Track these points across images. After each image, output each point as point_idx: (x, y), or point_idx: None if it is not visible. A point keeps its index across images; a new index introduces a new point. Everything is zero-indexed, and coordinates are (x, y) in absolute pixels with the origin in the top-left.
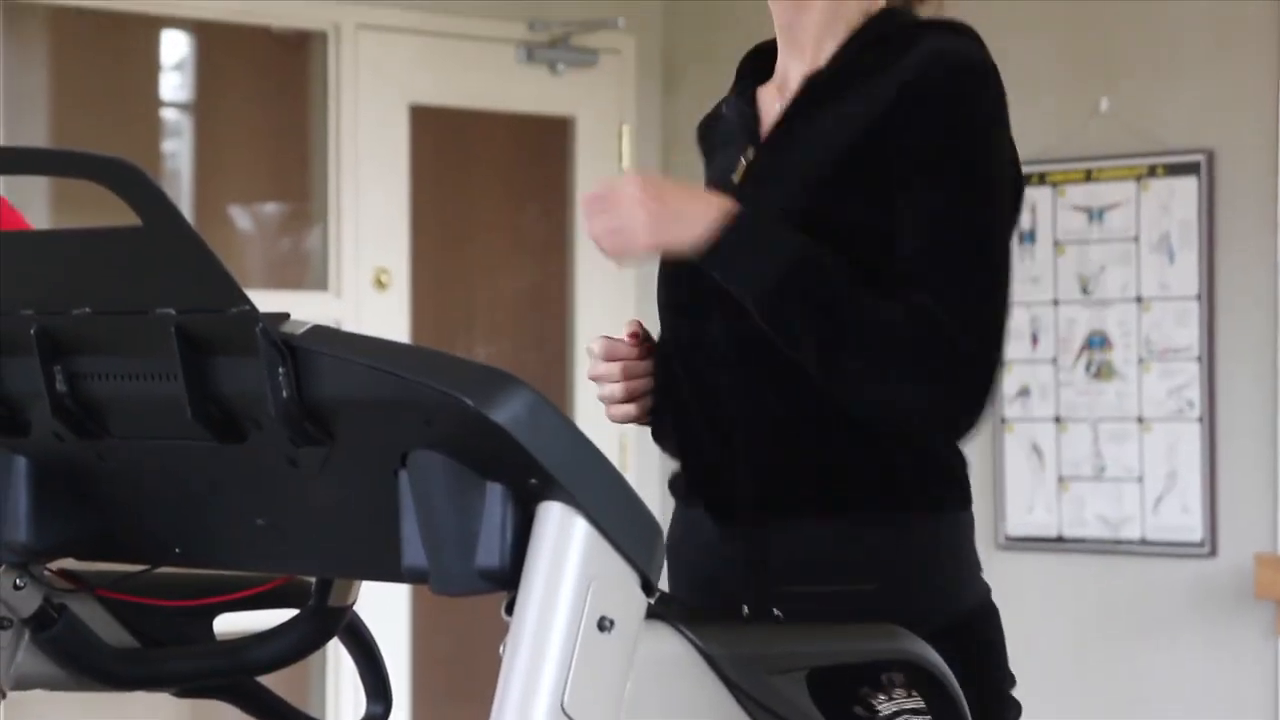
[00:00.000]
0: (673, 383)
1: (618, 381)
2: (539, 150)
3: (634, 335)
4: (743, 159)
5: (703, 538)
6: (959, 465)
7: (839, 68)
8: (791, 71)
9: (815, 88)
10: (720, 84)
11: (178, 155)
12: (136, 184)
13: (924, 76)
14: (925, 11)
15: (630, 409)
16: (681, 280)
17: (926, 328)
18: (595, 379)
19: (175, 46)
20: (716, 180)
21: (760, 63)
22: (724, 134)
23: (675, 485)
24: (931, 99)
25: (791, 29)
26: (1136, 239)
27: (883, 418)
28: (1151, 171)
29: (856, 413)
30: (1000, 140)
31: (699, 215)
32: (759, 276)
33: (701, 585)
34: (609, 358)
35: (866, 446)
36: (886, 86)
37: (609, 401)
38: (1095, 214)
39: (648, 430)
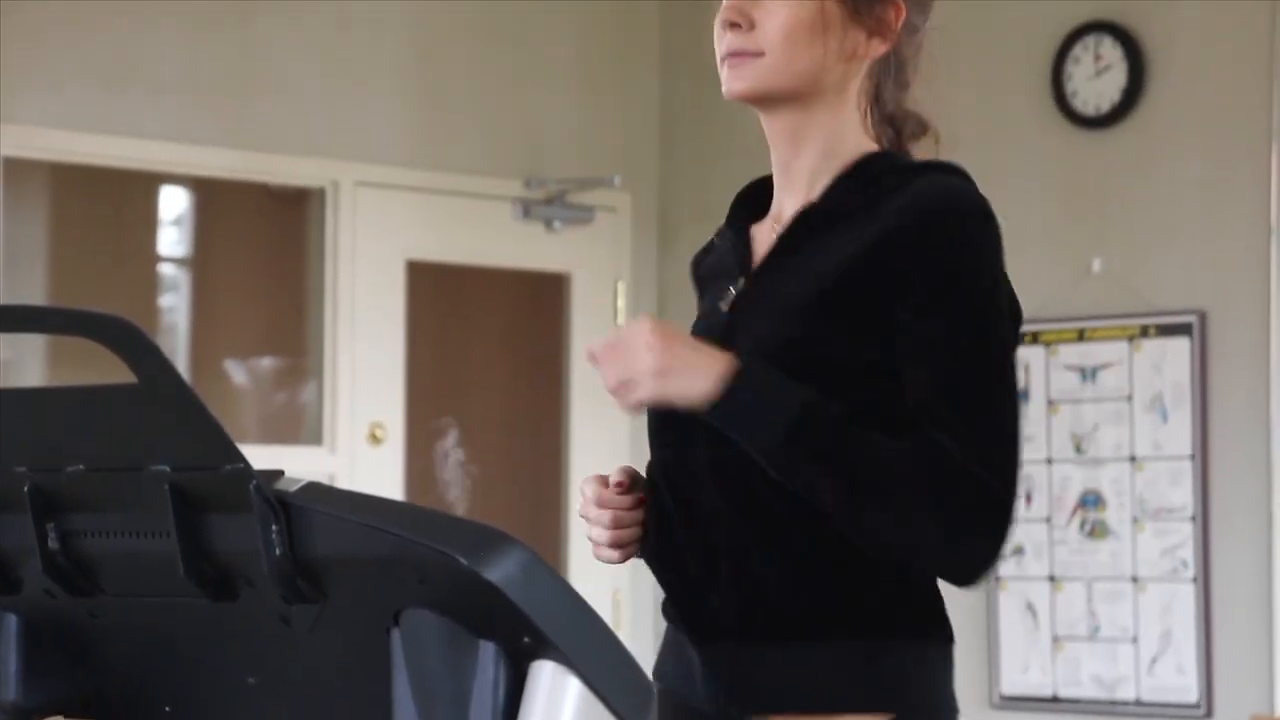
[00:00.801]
0: (659, 505)
1: (606, 529)
2: (535, 306)
3: (620, 484)
4: (732, 289)
5: (685, 660)
6: (938, 596)
7: (831, 202)
8: (787, 207)
9: (806, 221)
10: None
11: (175, 309)
12: (133, 342)
13: (921, 212)
14: (918, 154)
15: (614, 554)
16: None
17: (944, 469)
18: (585, 518)
19: (174, 202)
20: (707, 311)
21: (755, 199)
22: (716, 266)
23: (665, 608)
24: (930, 236)
25: (789, 167)
26: (1130, 398)
27: (904, 560)
28: (1144, 331)
29: (877, 554)
30: (999, 276)
31: (706, 368)
32: (767, 432)
33: (683, 710)
34: (600, 505)
35: (850, 571)
36: (879, 221)
37: (596, 543)
38: (1088, 373)
39: (641, 585)
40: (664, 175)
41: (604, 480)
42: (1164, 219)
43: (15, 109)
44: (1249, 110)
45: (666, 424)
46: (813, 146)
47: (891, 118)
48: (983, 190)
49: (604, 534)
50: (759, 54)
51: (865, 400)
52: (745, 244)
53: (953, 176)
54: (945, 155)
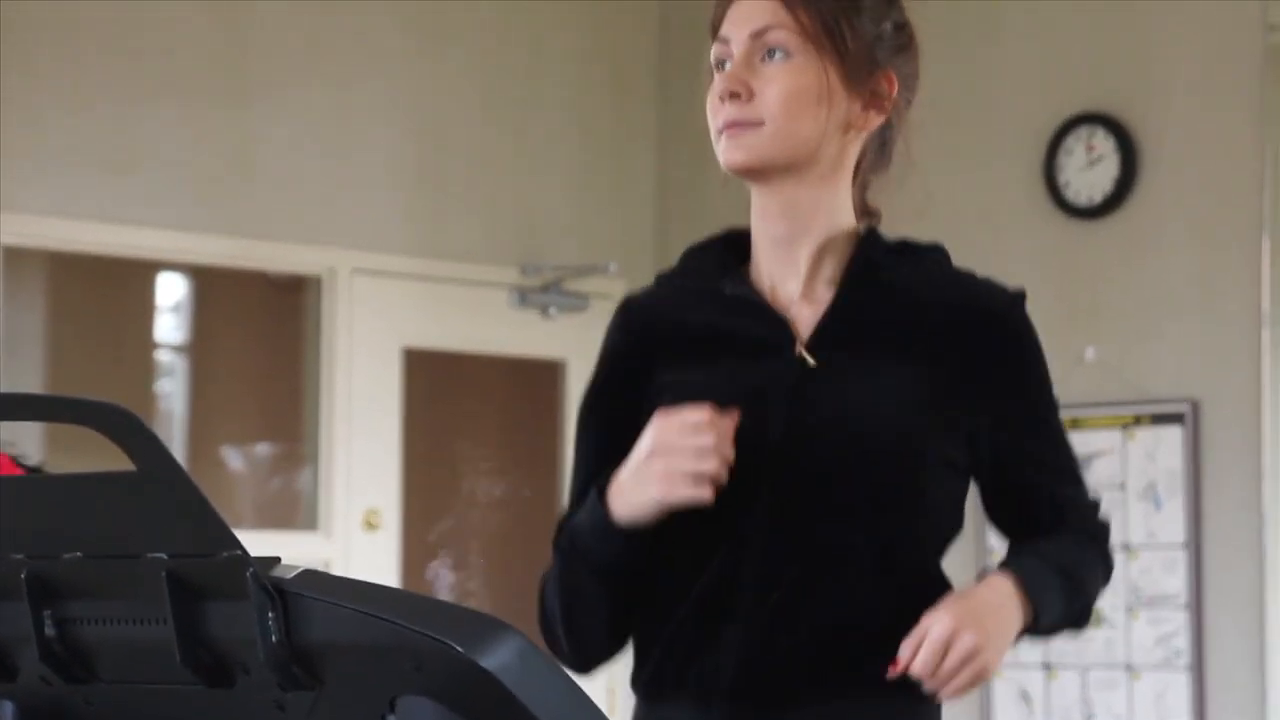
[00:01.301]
0: (739, 577)
1: (712, 453)
2: (531, 393)
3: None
4: (801, 356)
5: None
6: None
7: (872, 277)
8: (786, 285)
9: (855, 291)
10: None
11: (172, 395)
12: (131, 431)
13: (989, 310)
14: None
15: (705, 492)
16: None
17: (1100, 547)
18: (672, 448)
19: (172, 289)
20: (743, 358)
21: (717, 258)
22: (706, 313)
23: (651, 681)
24: (1002, 336)
25: (789, 243)
26: (1123, 487)
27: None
28: (1137, 420)
29: None
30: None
31: (1013, 612)
32: (1060, 609)
33: None
34: (704, 423)
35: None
36: (937, 302)
37: (690, 475)
38: (1082, 461)
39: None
40: (659, 263)
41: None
42: (1157, 308)
43: (15, 197)
44: (1240, 201)
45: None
46: (815, 224)
47: (859, 199)
48: None
49: (709, 462)
50: (759, 123)
51: (945, 495)
52: (758, 304)
53: (971, 273)
54: (939, 242)
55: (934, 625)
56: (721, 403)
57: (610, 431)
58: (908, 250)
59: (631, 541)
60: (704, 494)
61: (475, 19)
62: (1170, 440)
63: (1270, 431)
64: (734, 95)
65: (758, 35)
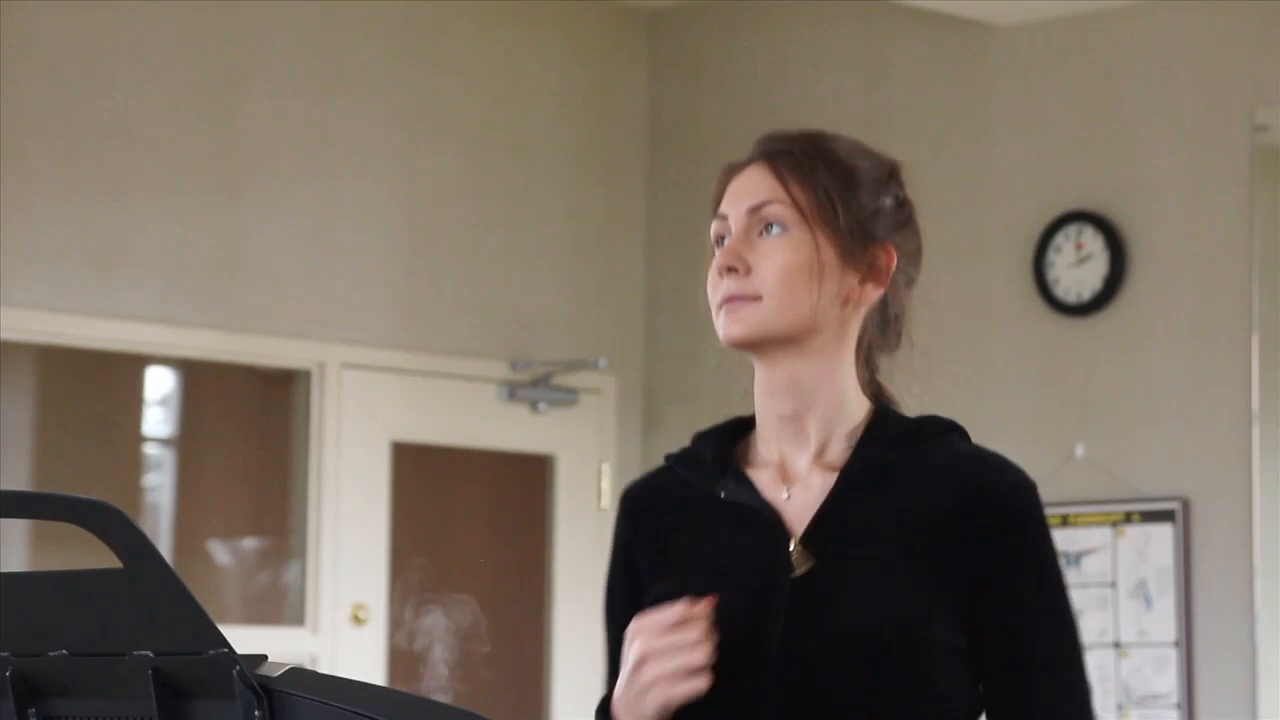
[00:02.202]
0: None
1: (697, 647)
2: (519, 488)
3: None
4: (790, 548)
5: None
6: None
7: (871, 461)
8: (794, 462)
9: (855, 479)
10: (700, 424)
11: (159, 489)
12: (118, 529)
13: (988, 489)
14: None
15: (701, 681)
16: (726, 683)
17: None
18: (649, 657)
19: (160, 382)
20: (737, 568)
21: (719, 447)
22: (705, 514)
23: None
24: (1007, 521)
25: (795, 421)
26: (1114, 584)
27: None
28: (1127, 518)
29: None
30: (1057, 556)
31: None
32: None
33: None
34: (681, 620)
35: None
36: (940, 490)
37: (679, 672)
38: (1072, 559)
39: None
40: (649, 358)
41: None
42: (1146, 406)
43: (4, 291)
44: (1229, 298)
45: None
46: (821, 400)
47: (869, 381)
48: (965, 376)
49: (696, 655)
50: (756, 298)
51: (954, 681)
52: (755, 491)
53: (970, 442)
54: (927, 341)
55: None
56: (717, 621)
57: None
58: (921, 431)
59: None
60: (701, 685)
61: (465, 116)
62: (1161, 538)
63: (1261, 529)
64: (731, 270)
65: (754, 210)
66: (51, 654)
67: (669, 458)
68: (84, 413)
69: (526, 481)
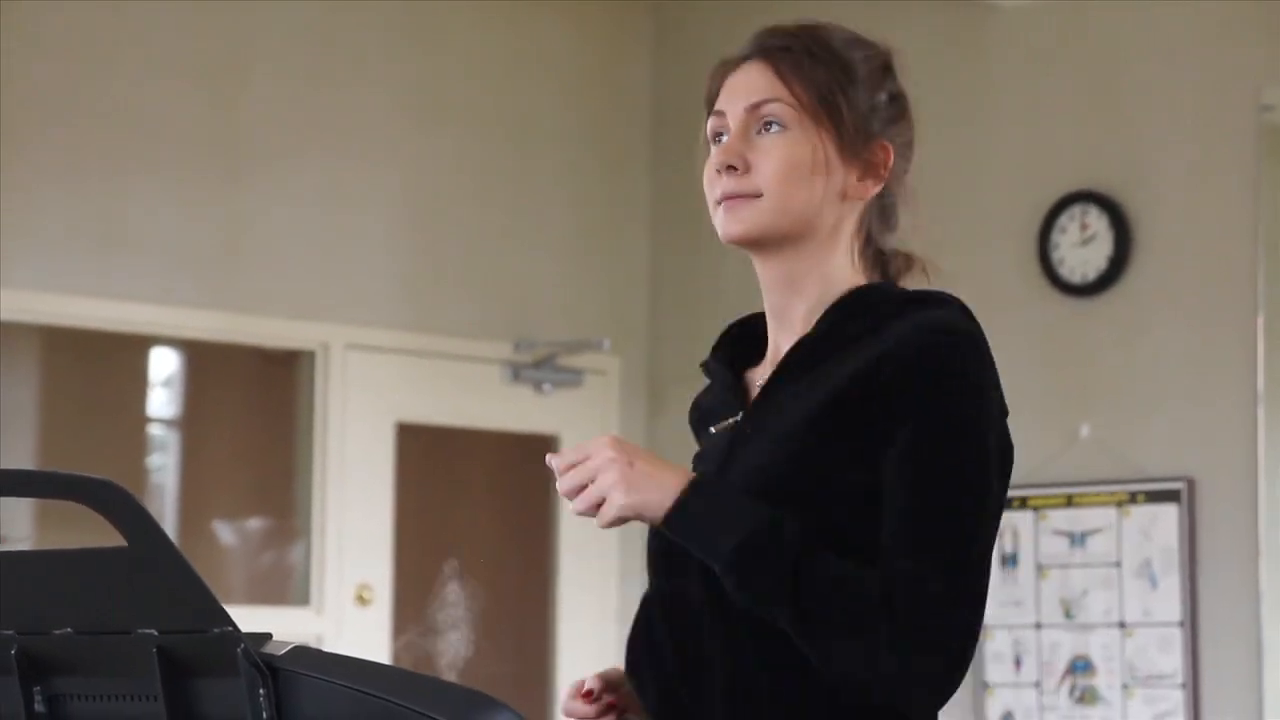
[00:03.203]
0: (651, 635)
1: None
2: (524, 468)
3: (588, 693)
4: (731, 424)
5: None
6: None
7: (821, 335)
8: (782, 348)
9: (798, 354)
10: None
11: (163, 470)
12: (123, 507)
13: (905, 342)
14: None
15: None
16: (661, 535)
17: (902, 593)
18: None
19: (164, 363)
20: (704, 443)
21: (745, 339)
22: (714, 406)
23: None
24: (916, 362)
25: (784, 310)
26: (1118, 564)
27: (860, 686)
28: (1132, 498)
29: (836, 682)
30: (987, 403)
31: (668, 482)
32: (721, 545)
33: None
34: (566, 713)
35: (845, 706)
36: (867, 350)
37: None
38: (1077, 538)
39: None
40: (652, 339)
41: (577, 686)
42: (1151, 386)
43: (8, 273)
44: (1234, 278)
45: (664, 554)
46: (808, 290)
47: (879, 256)
48: None
49: None
50: (756, 195)
51: (856, 525)
52: (740, 384)
53: (946, 308)
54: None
55: (595, 440)
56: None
57: None
58: (905, 301)
59: None
60: None
61: (469, 98)
62: (1166, 518)
63: (1266, 509)
64: (730, 168)
65: (753, 108)
66: (57, 632)
67: (702, 365)
68: (88, 393)
69: (531, 462)
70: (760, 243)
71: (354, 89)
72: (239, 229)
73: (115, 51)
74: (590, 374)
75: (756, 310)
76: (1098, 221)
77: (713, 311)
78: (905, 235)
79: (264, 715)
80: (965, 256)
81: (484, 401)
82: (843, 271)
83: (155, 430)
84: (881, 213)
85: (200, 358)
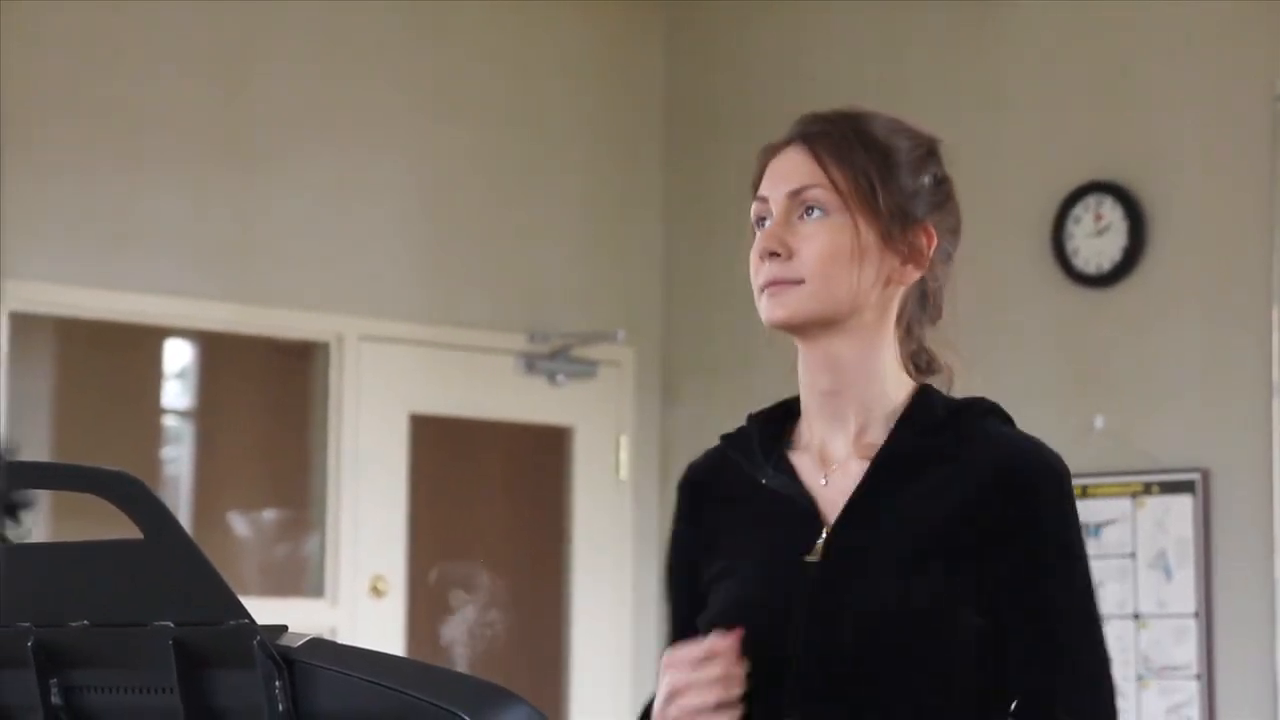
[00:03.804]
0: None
1: (719, 685)
2: (538, 460)
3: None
4: (820, 538)
5: None
6: None
7: (904, 448)
8: (833, 444)
9: (889, 467)
10: (718, 396)
11: (178, 461)
12: (139, 499)
13: (1015, 471)
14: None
15: (729, 715)
16: (756, 667)
17: None
18: (678, 691)
19: (178, 355)
20: (771, 556)
21: (768, 428)
22: (751, 500)
23: None
24: (1033, 497)
25: (833, 399)
26: (1133, 555)
27: None
28: (1147, 489)
29: None
30: (1083, 537)
31: None
32: None
33: None
34: (709, 654)
35: None
36: (967, 475)
37: (706, 708)
38: (1091, 530)
39: None
40: (667, 330)
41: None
42: (1166, 377)
43: (21, 265)
44: (1249, 269)
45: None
46: (855, 378)
47: (915, 352)
48: (984, 348)
49: (717, 692)
50: (799, 281)
51: (965, 671)
52: (795, 480)
53: (1010, 426)
54: (946, 313)
55: None
56: (745, 610)
57: (687, 605)
58: (959, 414)
59: None
60: (729, 718)
61: (482, 90)
62: (1180, 509)
63: None
64: (773, 254)
65: (795, 194)
66: (73, 624)
67: (724, 438)
68: (103, 385)
69: (545, 453)
70: (804, 328)
71: (368, 81)
72: (253, 221)
73: (128, 44)
74: (604, 365)
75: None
76: (1112, 212)
77: (727, 302)
78: (941, 331)
79: (280, 708)
80: (980, 247)
81: (498, 393)
82: (893, 365)
83: (170, 422)
84: (921, 299)
85: (214, 349)
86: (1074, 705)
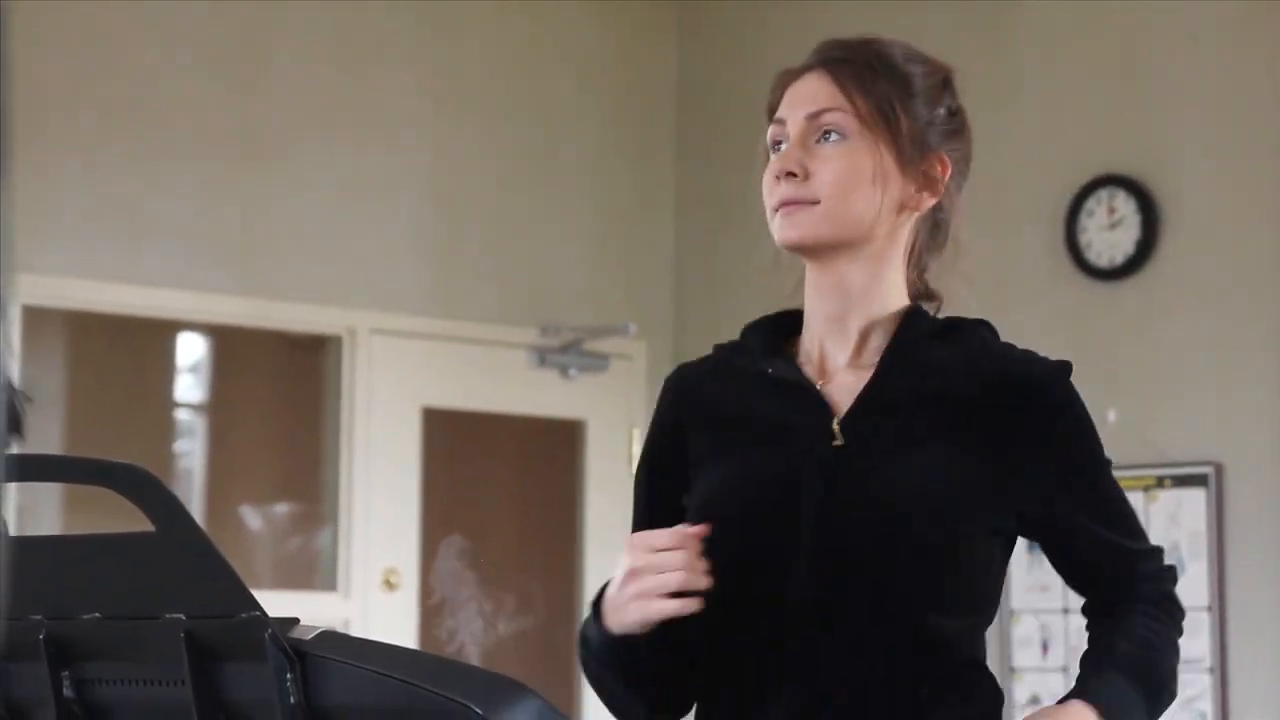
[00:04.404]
0: (747, 644)
1: (680, 569)
2: (550, 453)
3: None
4: (834, 426)
5: None
6: None
7: (907, 350)
8: (833, 356)
9: (896, 365)
10: None
11: (190, 455)
12: (151, 492)
13: (1020, 378)
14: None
15: (678, 605)
16: (760, 541)
17: (1172, 614)
18: (638, 570)
19: (191, 349)
20: (782, 439)
21: (769, 334)
22: (750, 390)
23: None
24: (1043, 402)
25: (839, 320)
26: None
27: None
28: (1160, 483)
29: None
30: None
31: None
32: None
33: None
34: (676, 541)
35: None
36: (974, 376)
37: (659, 592)
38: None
39: None
40: (678, 323)
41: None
42: (1179, 371)
43: (34, 259)
44: (1262, 263)
45: (756, 555)
46: (863, 300)
47: (914, 280)
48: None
49: (676, 577)
50: (814, 202)
51: (981, 563)
52: (800, 373)
53: (998, 338)
54: (958, 304)
55: None
56: (753, 487)
57: (657, 498)
58: (951, 328)
59: (637, 651)
60: (678, 607)
61: (494, 84)
62: (1193, 503)
63: None
64: (790, 175)
65: (814, 117)
66: (85, 617)
67: (718, 346)
68: (115, 379)
69: (557, 447)
70: (816, 249)
71: (380, 77)
72: (265, 215)
73: (140, 40)
74: (616, 359)
75: (779, 304)
76: (1125, 205)
77: (738, 296)
78: (948, 260)
79: (291, 700)
80: (993, 240)
81: (509, 386)
82: (898, 287)
83: (182, 415)
84: (933, 228)
85: (227, 343)
86: (1151, 573)
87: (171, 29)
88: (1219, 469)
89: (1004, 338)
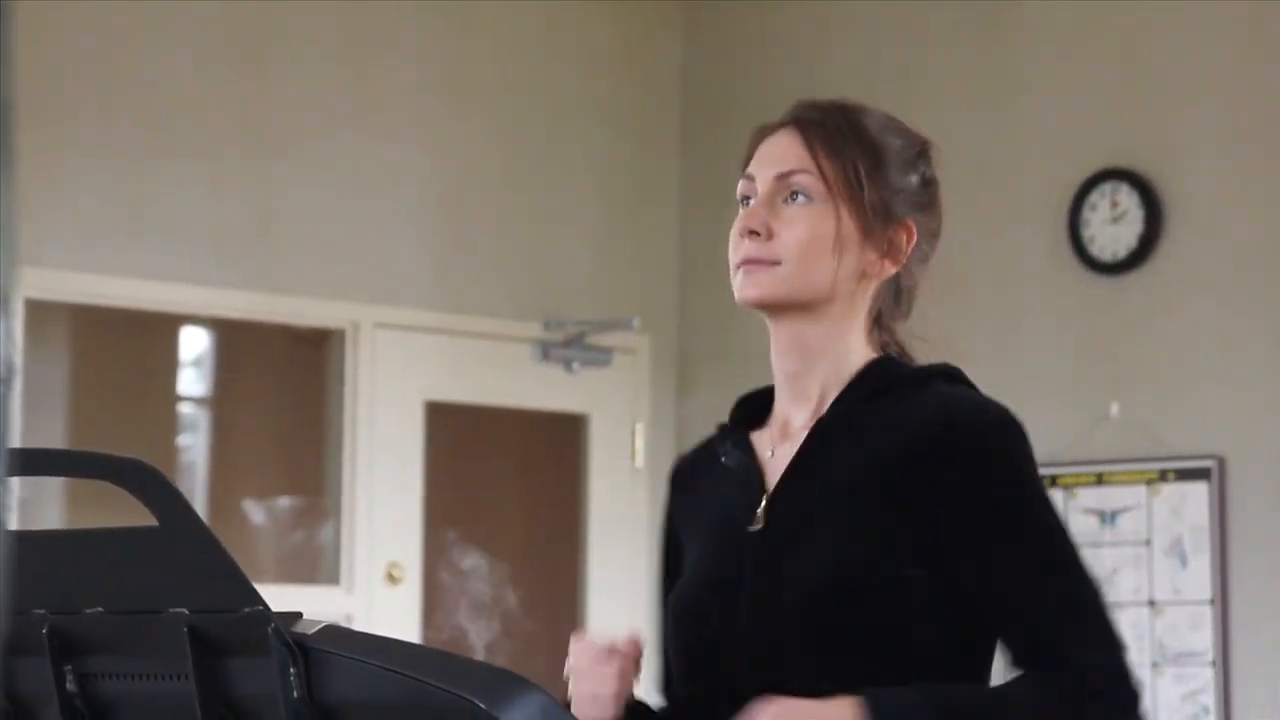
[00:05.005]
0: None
1: (616, 678)
2: (553, 447)
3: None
4: (754, 508)
5: None
6: None
7: (842, 412)
8: (794, 418)
9: (824, 432)
10: (733, 384)
11: (194, 449)
12: (154, 486)
13: (952, 424)
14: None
15: (606, 712)
16: (706, 637)
17: (1076, 695)
18: (579, 672)
19: (194, 342)
20: (721, 529)
21: (750, 411)
22: (716, 479)
23: None
24: (974, 450)
25: (796, 379)
26: (1148, 543)
27: None
28: (1163, 476)
29: None
30: (1039, 479)
31: (840, 714)
32: None
33: None
34: (611, 655)
35: None
36: (902, 431)
37: (591, 696)
38: (1107, 517)
39: None
40: (682, 318)
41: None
42: (1181, 364)
43: (38, 252)
44: (1266, 256)
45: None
46: (820, 360)
47: (885, 343)
48: (1000, 335)
49: (606, 687)
50: (775, 263)
51: (920, 624)
52: (750, 455)
53: (962, 385)
54: (962, 300)
55: (752, 713)
56: (700, 585)
57: (670, 589)
58: (912, 381)
59: None
60: (606, 714)
61: (499, 77)
62: (1196, 496)
63: None
64: (754, 233)
65: (782, 177)
66: (88, 611)
67: (719, 425)
68: (118, 373)
69: (560, 441)
70: (775, 308)
71: (385, 71)
72: (269, 208)
73: (146, 32)
74: (620, 353)
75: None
76: (1128, 199)
77: None
78: (913, 327)
79: (295, 694)
80: (996, 234)
81: (513, 381)
82: (858, 348)
83: (185, 409)
84: (896, 295)
85: (230, 337)
86: (1075, 638)
87: (176, 22)
88: (1222, 463)
89: (1007, 333)
